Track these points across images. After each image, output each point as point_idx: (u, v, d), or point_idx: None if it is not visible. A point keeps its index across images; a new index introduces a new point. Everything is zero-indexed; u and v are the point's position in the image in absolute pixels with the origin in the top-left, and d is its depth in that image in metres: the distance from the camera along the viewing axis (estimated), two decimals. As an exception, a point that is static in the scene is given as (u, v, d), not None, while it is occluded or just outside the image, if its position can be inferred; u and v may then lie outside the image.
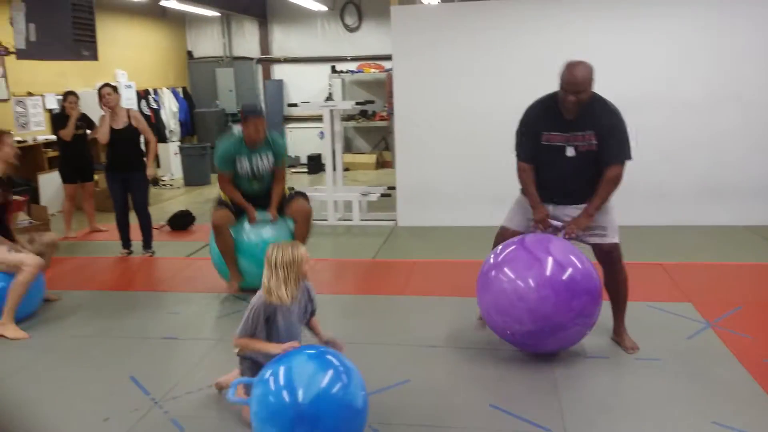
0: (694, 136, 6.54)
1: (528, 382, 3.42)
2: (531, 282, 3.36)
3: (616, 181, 3.58)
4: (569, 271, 3.37)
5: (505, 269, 3.48)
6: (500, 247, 3.67)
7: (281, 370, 2.66)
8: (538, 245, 3.49)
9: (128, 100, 9.98)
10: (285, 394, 2.58)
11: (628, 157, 3.60)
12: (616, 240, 3.68)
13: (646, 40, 6.48)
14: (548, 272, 3.36)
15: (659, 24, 6.44)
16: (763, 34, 6.30)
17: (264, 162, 4.73)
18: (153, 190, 9.23)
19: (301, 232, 4.79)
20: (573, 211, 3.67)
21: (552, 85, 6.68)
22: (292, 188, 5.05)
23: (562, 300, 3.32)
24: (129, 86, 10.08)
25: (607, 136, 3.54)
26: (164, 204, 8.58)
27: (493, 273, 3.53)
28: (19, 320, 4.34)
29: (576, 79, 3.48)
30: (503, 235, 3.86)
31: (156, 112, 10.71)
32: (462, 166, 6.89)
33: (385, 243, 6.47)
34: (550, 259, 3.39)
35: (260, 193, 4.80)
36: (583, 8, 6.56)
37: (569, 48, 6.49)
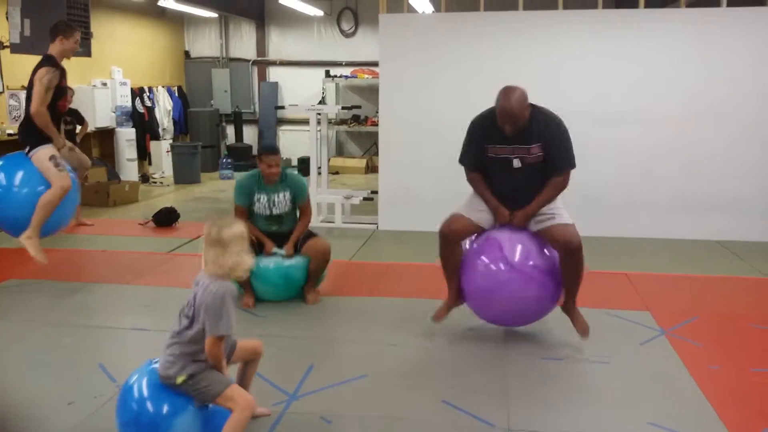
0: (670, 151, 6.68)
1: (481, 380, 3.55)
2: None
3: (562, 186, 3.76)
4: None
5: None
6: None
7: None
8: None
9: (122, 97, 10.15)
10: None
11: (573, 165, 3.76)
12: (568, 220, 3.75)
13: (626, 55, 6.64)
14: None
15: (637, 40, 6.60)
16: (740, 50, 6.46)
17: (281, 200, 4.74)
18: (142, 187, 9.40)
19: (317, 268, 4.74)
20: None
21: (533, 96, 6.85)
22: (309, 230, 4.95)
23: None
24: (124, 83, 10.24)
25: (552, 146, 3.70)
26: (152, 201, 8.71)
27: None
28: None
29: (512, 110, 3.56)
30: (458, 221, 3.89)
31: (150, 110, 10.85)
32: (444, 173, 6.94)
33: (363, 245, 6.60)
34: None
35: (279, 233, 4.77)
36: (570, 23, 6.73)
37: (555, 61, 6.74)
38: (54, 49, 4.63)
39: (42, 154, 4.59)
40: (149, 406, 2.66)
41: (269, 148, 4.77)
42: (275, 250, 4.68)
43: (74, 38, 4.67)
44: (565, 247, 3.65)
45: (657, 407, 3.26)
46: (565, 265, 3.72)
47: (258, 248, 4.68)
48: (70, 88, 7.28)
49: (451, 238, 3.87)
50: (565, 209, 3.84)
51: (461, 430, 3.06)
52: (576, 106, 6.70)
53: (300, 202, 4.83)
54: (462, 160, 3.96)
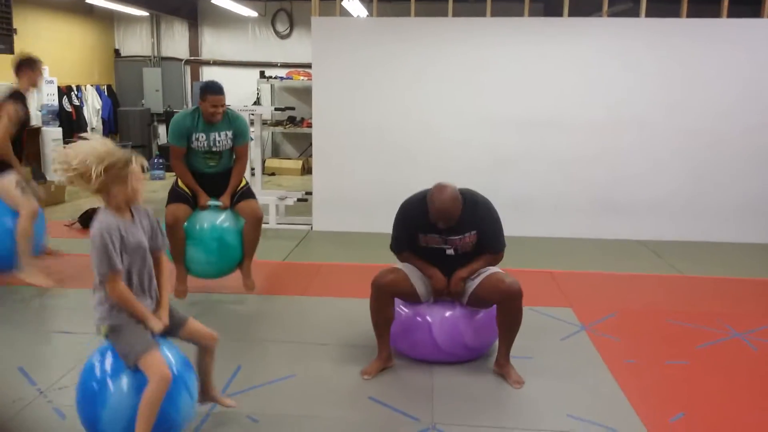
0: (594, 156, 6.92)
1: (407, 377, 3.63)
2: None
3: (495, 262, 3.70)
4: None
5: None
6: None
7: None
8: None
9: (49, 95, 9.85)
10: None
11: (504, 246, 3.70)
12: (498, 270, 3.71)
13: (552, 63, 6.84)
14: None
15: (563, 48, 6.82)
16: (653, 60, 6.75)
17: (222, 139, 4.56)
18: (69, 188, 9.12)
19: (250, 235, 4.66)
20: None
21: (464, 102, 7.03)
22: (246, 183, 4.84)
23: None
24: (50, 82, 9.93)
25: (485, 233, 3.63)
26: (80, 201, 8.48)
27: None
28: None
29: (446, 209, 3.44)
30: (394, 272, 3.69)
31: (78, 109, 10.56)
32: (375, 175, 7.11)
33: (297, 246, 6.60)
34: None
35: (215, 172, 4.63)
36: (498, 32, 6.89)
37: (484, 68, 6.89)
38: (22, 84, 4.78)
39: (6, 181, 4.69)
40: (90, 371, 2.70)
41: (214, 87, 4.45)
42: (210, 201, 4.58)
43: (36, 66, 4.84)
44: (505, 293, 3.51)
45: (575, 400, 3.39)
46: (504, 316, 3.58)
47: (192, 200, 4.57)
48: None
49: (384, 290, 3.62)
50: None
51: (387, 426, 3.12)
52: (504, 112, 6.92)
53: (239, 144, 4.67)
54: (393, 247, 3.79)
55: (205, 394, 3.06)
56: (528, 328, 4.20)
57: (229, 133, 4.61)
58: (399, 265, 3.81)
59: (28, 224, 4.62)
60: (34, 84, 4.86)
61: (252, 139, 7.55)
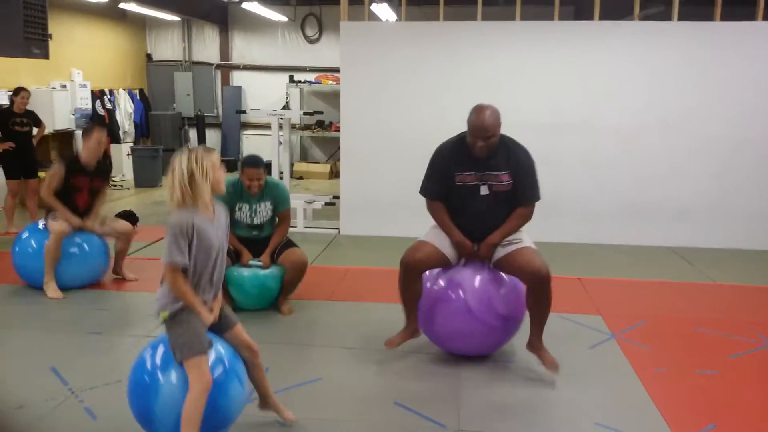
0: (622, 160, 6.85)
1: (433, 383, 3.62)
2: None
3: (526, 218, 3.71)
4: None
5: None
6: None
7: None
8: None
9: (82, 99, 10.03)
10: None
11: (539, 197, 3.73)
12: (533, 246, 3.71)
13: (581, 67, 6.79)
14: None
15: (597, 54, 6.77)
16: (683, 63, 6.66)
17: (263, 209, 4.66)
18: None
19: (292, 279, 4.67)
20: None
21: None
22: (286, 238, 4.86)
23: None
24: (84, 86, 10.12)
25: (521, 176, 3.66)
26: (112, 204, 8.60)
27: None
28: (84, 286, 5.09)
29: (484, 124, 3.52)
30: (423, 249, 3.70)
31: (110, 113, 10.74)
32: (403, 179, 7.04)
33: (324, 250, 6.63)
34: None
35: (258, 239, 4.70)
36: (527, 36, 6.87)
37: (512, 72, 6.86)
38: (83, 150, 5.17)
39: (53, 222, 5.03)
40: (142, 365, 2.79)
41: (251, 161, 4.56)
42: (252, 261, 4.61)
43: (92, 138, 5.11)
44: (534, 276, 3.52)
45: (604, 408, 3.35)
46: (533, 298, 3.59)
47: (235, 257, 4.60)
48: (26, 89, 7.21)
49: (414, 269, 3.64)
50: (529, 236, 3.79)
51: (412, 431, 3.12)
52: (532, 115, 6.86)
53: (280, 211, 4.74)
54: (424, 191, 3.79)
55: (265, 403, 3.10)
56: (557, 335, 4.20)
57: (269, 204, 4.67)
58: (424, 236, 3.80)
59: (52, 243, 4.84)
60: (90, 152, 5.10)
61: (281, 143, 7.62)
